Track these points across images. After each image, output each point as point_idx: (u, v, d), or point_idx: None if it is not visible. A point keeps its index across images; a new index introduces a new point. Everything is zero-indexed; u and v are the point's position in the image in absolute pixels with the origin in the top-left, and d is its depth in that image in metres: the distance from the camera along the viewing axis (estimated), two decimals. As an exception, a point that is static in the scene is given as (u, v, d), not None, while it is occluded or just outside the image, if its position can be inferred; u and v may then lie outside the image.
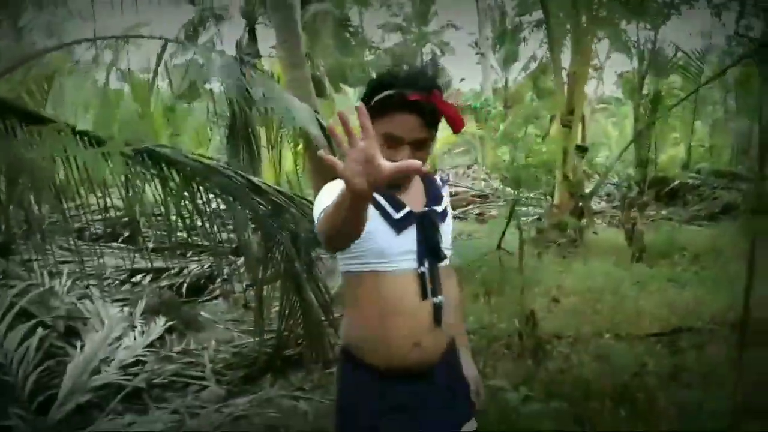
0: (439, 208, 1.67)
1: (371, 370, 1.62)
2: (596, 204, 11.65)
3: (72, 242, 5.77)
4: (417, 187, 1.68)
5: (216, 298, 6.02)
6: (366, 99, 1.57)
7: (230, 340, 4.85)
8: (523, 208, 9.43)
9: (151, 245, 6.51)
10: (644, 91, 11.08)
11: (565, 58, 7.88)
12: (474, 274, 4.79)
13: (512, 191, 4.41)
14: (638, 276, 5.46)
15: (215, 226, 3.84)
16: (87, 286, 5.11)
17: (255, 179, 3.99)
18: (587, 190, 7.81)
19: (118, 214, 6.51)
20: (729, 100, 14.40)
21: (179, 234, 4.80)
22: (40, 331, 3.87)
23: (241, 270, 5.48)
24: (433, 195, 1.69)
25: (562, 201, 7.31)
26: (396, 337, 1.57)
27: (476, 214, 10.94)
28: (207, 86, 5.29)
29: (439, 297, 1.60)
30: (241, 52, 13.30)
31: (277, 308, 4.28)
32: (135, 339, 4.26)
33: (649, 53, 10.68)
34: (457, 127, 1.55)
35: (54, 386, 3.55)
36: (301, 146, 6.53)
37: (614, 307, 4.50)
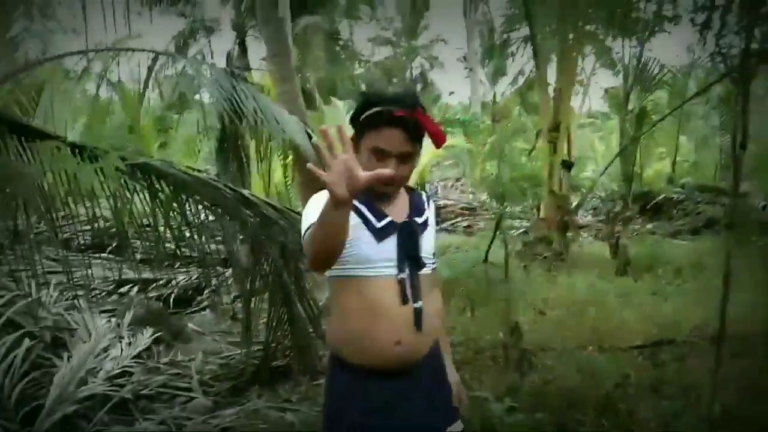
0: (419, 219, 1.76)
1: (356, 371, 1.70)
2: (583, 218, 11.79)
3: (60, 253, 5.79)
4: (403, 199, 1.78)
5: (204, 309, 6.02)
6: (356, 115, 1.70)
7: (218, 351, 4.85)
8: (510, 222, 9.54)
9: (138, 256, 6.52)
10: (630, 107, 11.26)
11: (552, 74, 8.00)
12: (461, 287, 4.83)
13: (498, 205, 4.49)
14: (622, 289, 5.54)
15: (203, 237, 3.87)
16: (74, 297, 5.10)
17: (244, 191, 4.03)
18: (574, 204, 7.91)
19: (106, 224, 6.51)
20: (713, 116, 14.64)
21: (167, 245, 4.82)
22: (26, 341, 3.87)
23: (229, 281, 5.50)
24: (416, 207, 1.79)
25: (548, 215, 7.41)
26: (377, 338, 1.65)
27: (464, 227, 11.04)
28: (197, 98, 5.35)
29: (419, 302, 1.67)
30: (231, 65, 13.37)
31: (264, 320, 4.30)
32: (122, 350, 4.26)
33: (634, 69, 10.84)
34: (438, 142, 1.68)
35: (40, 397, 3.55)
36: (290, 158, 6.58)
37: (598, 319, 4.56)
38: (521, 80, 19.78)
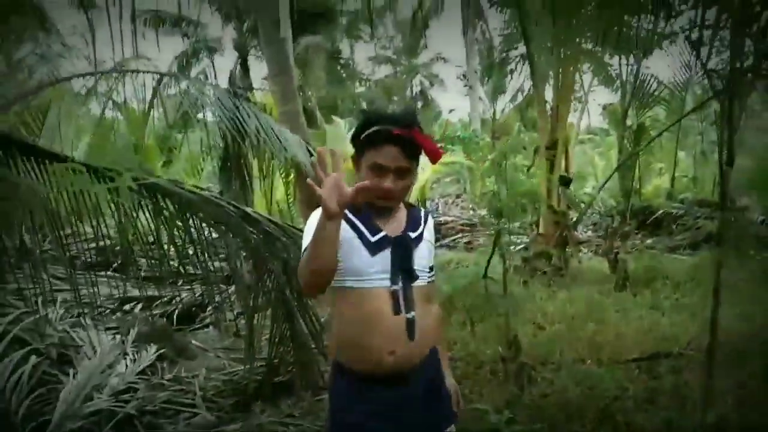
0: (413, 234, 1.85)
1: (355, 375, 1.81)
2: (582, 233, 11.85)
3: (65, 271, 5.85)
4: (401, 214, 1.88)
5: (207, 326, 6.07)
6: (356, 134, 1.81)
7: (221, 367, 4.89)
8: (510, 238, 9.60)
9: (142, 274, 6.58)
10: (629, 123, 11.35)
11: (550, 91, 8.10)
12: (461, 302, 4.88)
13: (495, 221, 4.56)
14: (621, 303, 5.59)
15: (207, 254, 3.94)
16: (79, 315, 5.16)
17: (247, 209, 4.11)
18: (572, 220, 7.98)
19: (109, 242, 6.59)
20: (711, 132, 14.74)
21: (171, 263, 4.88)
22: (33, 358, 3.94)
23: (232, 299, 5.55)
24: (412, 222, 1.88)
25: (547, 230, 7.48)
26: (372, 348, 1.75)
27: (465, 243, 11.10)
28: (200, 117, 5.45)
29: (412, 313, 1.77)
30: (234, 85, 13.54)
31: (267, 336, 4.35)
32: (127, 366, 4.32)
33: (631, 86, 10.95)
34: (434, 159, 1.79)
35: (47, 413, 3.60)
36: (292, 176, 6.66)
37: (596, 333, 4.61)
38: (520, 97, 19.97)
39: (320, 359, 4.22)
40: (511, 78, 16.96)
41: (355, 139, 1.83)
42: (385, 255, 1.78)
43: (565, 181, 7.61)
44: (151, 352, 4.59)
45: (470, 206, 15.00)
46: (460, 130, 21.28)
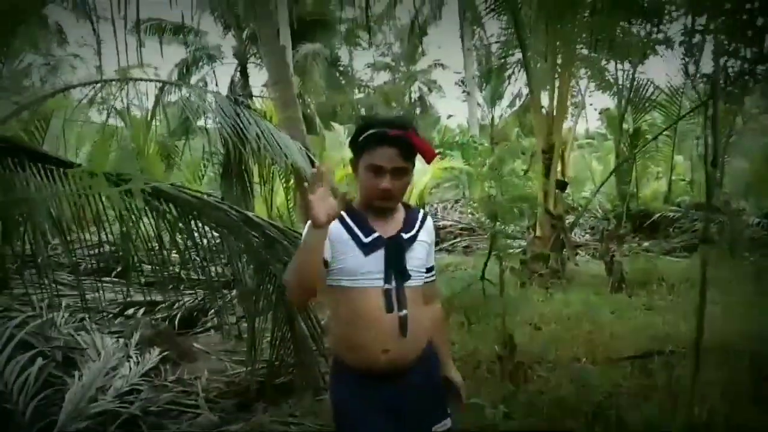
0: (406, 234, 1.90)
1: (351, 371, 1.89)
2: (580, 237, 11.94)
3: (68, 276, 5.94)
4: (399, 215, 1.94)
5: (209, 330, 6.14)
6: (354, 137, 1.89)
7: (223, 369, 4.97)
8: (508, 241, 9.69)
9: (143, 280, 6.67)
10: (626, 127, 11.47)
11: (546, 96, 8.21)
12: (459, 303, 4.97)
13: (492, 224, 4.67)
14: (616, 305, 5.68)
15: (208, 259, 4.03)
16: (82, 320, 5.24)
17: (249, 213, 4.20)
18: (569, 223, 8.08)
19: (112, 248, 6.68)
20: (708, 136, 14.82)
21: (171, 268, 4.96)
22: (39, 360, 4.01)
23: (233, 303, 5.63)
24: (408, 223, 1.93)
25: (544, 233, 7.57)
26: (366, 346, 1.83)
27: (463, 247, 11.21)
28: (201, 124, 5.55)
29: (404, 311, 1.83)
30: (234, 92, 13.66)
31: (268, 339, 4.43)
32: (130, 369, 4.39)
33: (627, 91, 11.07)
34: (427, 158, 1.85)
35: (53, 413, 3.67)
36: (292, 182, 6.75)
37: (592, 333, 4.70)
38: (518, 103, 20.12)
39: (321, 361, 4.30)
40: (509, 83, 17.13)
41: (353, 143, 1.90)
42: (379, 255, 1.84)
43: (562, 185, 7.72)
44: (154, 355, 4.65)
45: (469, 211, 15.10)
46: (458, 135, 21.41)
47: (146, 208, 3.52)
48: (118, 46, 3.87)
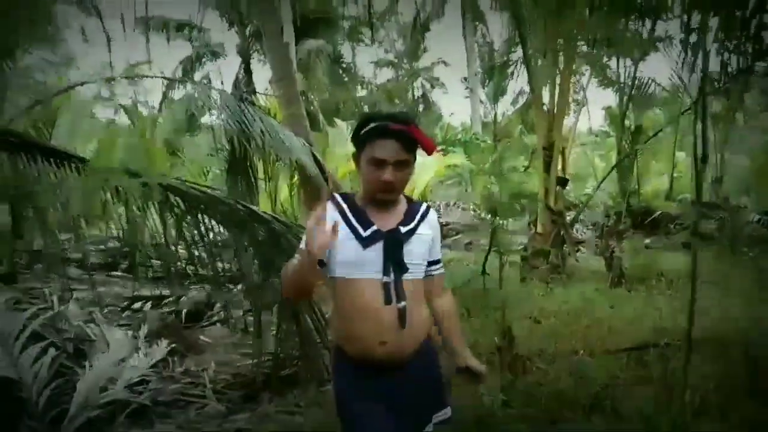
0: (404, 228, 1.93)
1: (351, 361, 1.93)
2: (582, 233, 12.03)
3: (76, 271, 6.04)
4: (401, 208, 1.98)
5: (215, 323, 6.24)
6: (357, 131, 1.92)
7: (229, 362, 5.07)
8: (510, 237, 9.78)
9: (149, 275, 6.79)
10: (628, 124, 11.53)
11: (547, 93, 8.27)
12: (460, 297, 5.06)
13: (492, 220, 4.76)
14: (615, 299, 5.77)
15: (214, 253, 4.12)
16: (91, 313, 5.35)
17: (254, 208, 4.29)
18: (569, 219, 8.17)
19: (119, 244, 6.77)
20: (710, 132, 14.88)
21: (179, 263, 5.05)
22: (52, 351, 4.12)
23: (239, 297, 5.72)
24: (408, 216, 1.96)
25: (545, 229, 7.65)
26: (364, 336, 1.87)
27: (465, 243, 11.31)
28: (207, 121, 5.65)
29: (403, 302, 1.86)
30: (239, 90, 13.75)
31: (274, 332, 4.52)
32: (139, 360, 4.50)
33: (629, 88, 11.13)
34: (428, 150, 1.89)
35: (65, 402, 3.78)
36: (296, 178, 6.84)
37: (590, 326, 4.79)
38: (521, 100, 20.16)
39: (325, 353, 4.39)
40: (512, 80, 17.19)
41: (355, 137, 1.93)
42: (378, 248, 1.87)
43: (562, 182, 7.79)
44: (162, 347, 4.76)
45: (471, 208, 15.18)
46: (461, 133, 21.47)
47: (156, 202, 3.61)
48: (127, 42, 3.94)
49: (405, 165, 1.87)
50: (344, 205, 1.94)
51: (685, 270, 7.01)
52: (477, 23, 22.30)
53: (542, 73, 7.70)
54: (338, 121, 13.61)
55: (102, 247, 5.95)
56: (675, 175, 13.86)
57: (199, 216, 3.91)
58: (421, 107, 29.40)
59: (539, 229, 7.71)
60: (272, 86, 8.41)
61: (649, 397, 3.34)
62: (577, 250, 9.51)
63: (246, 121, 4.82)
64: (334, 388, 2.03)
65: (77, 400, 3.79)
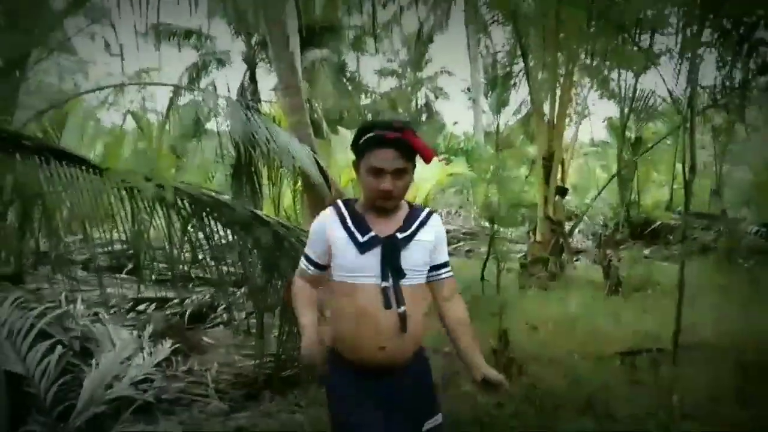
0: (402, 234, 1.93)
1: (349, 365, 1.95)
2: (582, 243, 12.12)
3: (81, 272, 6.14)
4: (401, 214, 1.98)
5: (217, 325, 6.34)
6: (355, 140, 1.96)
7: (231, 362, 5.16)
8: (509, 246, 9.88)
9: (154, 277, 6.89)
10: (629, 136, 11.64)
11: (548, 105, 8.39)
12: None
13: (493, 228, 4.86)
14: (611, 307, 5.87)
15: (218, 256, 4.23)
16: (96, 313, 5.46)
17: (259, 212, 4.41)
18: (568, 228, 8.28)
19: (123, 246, 6.87)
20: (710, 145, 14.98)
21: (183, 267, 5.15)
22: (59, 348, 4.23)
23: (242, 300, 5.82)
24: (407, 222, 1.97)
25: (544, 238, 7.76)
26: (363, 343, 1.89)
27: (466, 251, 11.43)
28: (214, 128, 5.78)
29: (403, 307, 1.87)
30: (245, 97, 13.90)
31: (276, 334, 4.62)
32: (144, 359, 4.60)
33: (630, 100, 11.24)
34: (426, 158, 1.89)
35: (71, 398, 3.88)
36: (299, 184, 6.95)
37: (586, 333, 4.89)
38: (524, 110, 20.29)
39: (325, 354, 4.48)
40: (516, 91, 17.33)
41: (353, 146, 1.95)
42: (376, 253, 1.88)
43: (561, 192, 7.91)
44: (166, 347, 4.86)
45: (472, 216, 15.31)
46: (463, 142, 21.61)
47: (164, 204, 3.72)
48: (139, 49, 4.07)
49: (404, 173, 1.89)
50: (344, 211, 1.97)
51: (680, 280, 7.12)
52: (481, 35, 22.47)
53: (542, 85, 7.83)
54: (342, 129, 13.74)
55: (107, 249, 6.05)
56: (675, 186, 13.94)
57: (205, 219, 4.02)
58: (424, 116, 29.57)
59: (538, 237, 7.81)
60: (277, 94, 8.54)
61: (640, 399, 3.42)
62: (577, 259, 9.62)
63: (251, 128, 4.94)
64: (328, 391, 2.05)
65: (84, 397, 3.89)
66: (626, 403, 3.45)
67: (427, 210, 2.06)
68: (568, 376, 3.89)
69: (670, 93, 3.82)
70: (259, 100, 13.98)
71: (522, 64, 11.80)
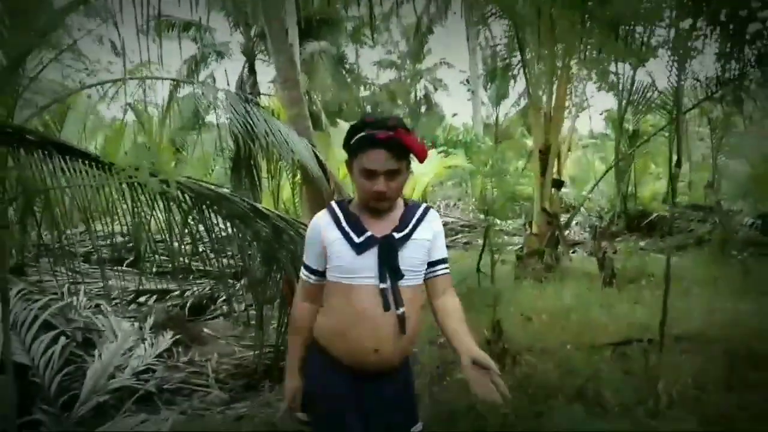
0: (398, 234, 1.89)
1: (337, 365, 1.92)
2: (579, 235, 12.21)
3: (83, 265, 6.21)
4: (397, 212, 1.94)
5: (217, 317, 6.43)
6: (347, 140, 1.90)
7: (231, 353, 5.26)
8: (507, 238, 9.98)
9: (155, 269, 6.99)
10: (627, 128, 11.66)
11: (545, 97, 8.43)
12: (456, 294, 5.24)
13: (489, 220, 4.93)
14: (605, 298, 5.95)
15: (218, 249, 4.30)
16: (98, 305, 5.55)
17: (258, 205, 4.47)
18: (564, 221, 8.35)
19: (123, 239, 6.94)
20: (707, 137, 15.04)
21: (184, 259, 5.23)
22: (62, 339, 4.32)
23: (240, 292, 5.90)
24: (403, 221, 1.92)
25: (540, 230, 7.84)
26: (357, 344, 1.86)
27: (464, 243, 11.51)
28: (213, 121, 5.82)
29: (401, 309, 1.84)
30: (244, 90, 13.94)
31: (275, 325, 4.70)
32: (145, 350, 4.70)
33: (627, 92, 11.26)
34: (420, 158, 1.84)
35: (75, 388, 3.99)
36: (298, 177, 7.00)
37: (579, 324, 4.97)
38: (523, 102, 20.32)
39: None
40: (515, 83, 17.35)
41: (346, 145, 1.90)
42: (372, 254, 1.85)
43: (558, 184, 7.98)
44: (167, 338, 4.97)
45: (470, 209, 15.41)
46: (462, 134, 21.66)
47: (165, 198, 3.79)
48: (139, 42, 4.13)
49: (397, 174, 1.84)
50: (339, 213, 1.93)
51: (675, 271, 7.19)
52: (480, 27, 22.44)
53: (539, 78, 7.88)
54: (341, 121, 13.78)
55: (108, 242, 6.14)
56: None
57: (205, 212, 4.08)
58: (423, 108, 29.60)
59: (535, 230, 7.89)
60: (276, 87, 8.57)
61: (630, 388, 3.51)
62: (574, 251, 9.71)
63: (251, 122, 4.98)
64: (309, 389, 1.99)
65: (87, 386, 4.00)
66: (616, 392, 3.53)
67: (423, 206, 2.02)
68: (560, 366, 3.98)
69: (659, 91, 3.85)
70: (259, 93, 14.01)
71: (519, 57, 11.80)
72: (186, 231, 4.18)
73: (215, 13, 15.28)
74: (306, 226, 2.34)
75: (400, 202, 1.96)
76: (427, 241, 1.94)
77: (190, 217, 4.06)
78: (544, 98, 7.95)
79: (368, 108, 24.38)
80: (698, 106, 6.79)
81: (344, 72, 21.06)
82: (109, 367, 4.28)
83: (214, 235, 4.16)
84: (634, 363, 3.92)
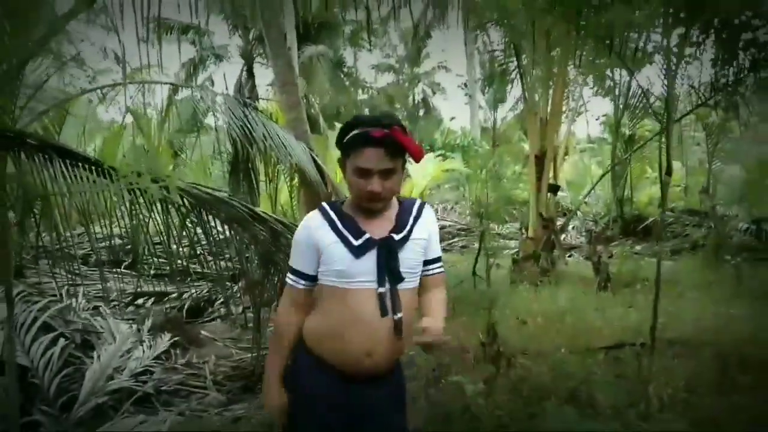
0: (398, 236, 1.84)
1: (328, 368, 1.86)
2: (575, 239, 12.29)
3: (81, 267, 6.26)
4: (392, 212, 1.88)
5: (215, 319, 6.47)
6: (340, 138, 1.83)
7: (229, 355, 5.30)
8: (504, 242, 10.04)
9: (152, 272, 7.03)
10: (624, 132, 11.76)
11: (541, 102, 8.49)
12: (452, 297, 5.28)
13: (480, 224, 4.98)
14: (600, 302, 6.00)
15: (216, 251, 4.34)
16: (97, 307, 5.59)
17: (256, 209, 4.51)
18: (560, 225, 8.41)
19: (121, 242, 6.97)
20: (703, 142, 15.13)
21: (179, 262, 5.27)
22: (61, 341, 4.36)
23: (238, 295, 5.94)
24: (400, 222, 1.87)
25: (536, 235, 7.89)
26: (352, 347, 1.80)
27: (461, 246, 11.56)
28: (212, 124, 5.87)
29: (399, 314, 1.78)
30: (242, 94, 14.00)
31: (272, 328, 4.73)
32: (143, 352, 4.74)
33: (624, 97, 11.33)
34: (415, 157, 1.77)
35: (74, 389, 4.03)
36: (295, 180, 7.06)
37: (574, 327, 5.02)
38: (520, 107, 20.40)
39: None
40: (512, 87, 17.42)
41: (338, 144, 1.83)
42: (371, 257, 1.79)
43: (553, 189, 8.04)
44: (165, 340, 5.00)
45: (467, 212, 15.46)
46: (460, 137, 21.73)
47: (163, 201, 3.83)
48: (139, 46, 4.17)
49: (392, 173, 1.77)
50: (332, 214, 1.86)
51: (669, 276, 7.26)
52: (477, 32, 22.53)
53: (535, 83, 7.95)
54: (339, 124, 13.80)
55: (106, 244, 6.19)
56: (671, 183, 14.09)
57: (204, 215, 4.12)
58: (421, 112, 29.67)
59: (530, 234, 7.94)
60: (274, 90, 8.62)
61: (622, 391, 3.56)
62: (570, 255, 9.78)
63: (249, 126, 5.03)
64: (296, 392, 1.92)
65: (86, 388, 4.03)
66: (608, 395, 3.58)
67: (417, 202, 1.96)
68: (554, 369, 4.02)
69: (655, 97, 3.90)
70: (257, 97, 14.07)
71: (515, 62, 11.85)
72: (184, 234, 4.22)
73: (214, 16, 15.35)
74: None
75: (394, 201, 1.91)
76: (424, 240, 1.90)
77: (188, 220, 4.10)
78: (541, 103, 8.01)
79: (366, 111, 24.42)
80: (693, 112, 6.82)
81: (342, 75, 21.15)
82: (107, 368, 4.31)
83: (211, 238, 4.21)
84: (627, 366, 3.97)
